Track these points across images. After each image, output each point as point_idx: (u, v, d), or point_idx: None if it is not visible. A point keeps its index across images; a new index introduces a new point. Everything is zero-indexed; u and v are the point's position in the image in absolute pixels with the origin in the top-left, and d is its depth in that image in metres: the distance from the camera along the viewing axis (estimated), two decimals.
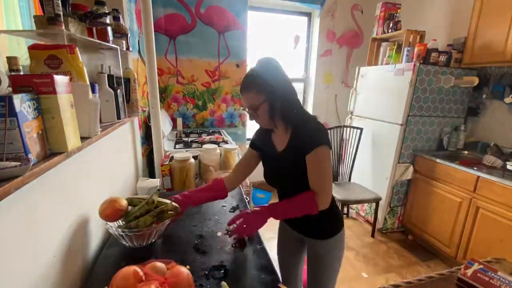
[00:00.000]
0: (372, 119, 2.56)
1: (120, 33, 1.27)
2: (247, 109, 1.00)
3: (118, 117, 1.12)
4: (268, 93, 0.95)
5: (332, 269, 1.13)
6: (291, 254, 1.22)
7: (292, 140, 0.98)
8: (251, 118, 1.01)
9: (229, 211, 1.32)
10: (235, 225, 0.96)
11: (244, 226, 0.95)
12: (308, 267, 1.15)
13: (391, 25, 2.50)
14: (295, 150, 0.96)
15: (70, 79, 0.74)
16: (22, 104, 0.56)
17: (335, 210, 1.11)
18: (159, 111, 1.77)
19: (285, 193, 1.05)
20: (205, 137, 2.35)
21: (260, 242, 1.07)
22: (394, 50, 2.49)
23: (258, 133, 1.13)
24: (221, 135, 2.54)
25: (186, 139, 2.37)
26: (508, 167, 1.82)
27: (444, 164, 2.05)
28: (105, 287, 0.80)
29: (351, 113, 2.86)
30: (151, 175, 2.07)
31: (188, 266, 0.90)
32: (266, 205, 0.98)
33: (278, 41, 3.21)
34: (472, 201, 1.86)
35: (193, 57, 2.75)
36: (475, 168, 1.87)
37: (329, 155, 0.95)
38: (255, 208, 0.98)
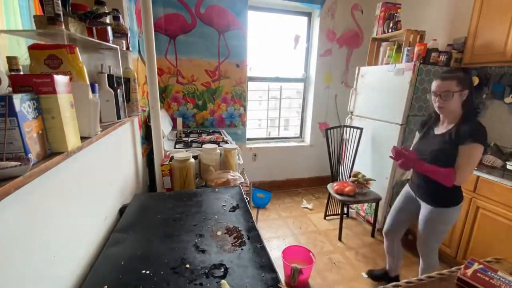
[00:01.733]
0: (372, 119, 2.56)
1: (120, 33, 1.27)
2: (438, 95, 1.34)
3: (118, 117, 1.12)
4: (466, 86, 1.32)
5: (436, 232, 1.46)
6: (406, 212, 1.66)
7: (455, 129, 1.33)
8: (439, 104, 1.36)
9: (229, 211, 1.32)
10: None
11: (403, 160, 1.40)
12: (419, 226, 1.53)
13: (391, 25, 2.50)
14: (452, 137, 1.32)
15: (70, 79, 0.74)
16: (22, 104, 0.56)
17: (456, 191, 1.39)
18: (159, 111, 1.77)
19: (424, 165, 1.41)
20: (205, 137, 2.35)
21: (260, 241, 1.07)
22: (394, 50, 2.49)
23: (423, 121, 1.59)
24: (221, 135, 2.54)
25: (186, 139, 2.37)
26: (508, 167, 1.82)
27: None
28: (105, 287, 0.80)
29: (351, 113, 2.86)
30: (151, 175, 2.07)
31: (188, 265, 0.91)
32: (416, 157, 1.40)
33: (278, 41, 3.21)
34: (472, 201, 1.86)
35: (193, 57, 2.75)
36: (475, 168, 1.87)
37: (480, 153, 1.27)
38: (408, 155, 1.40)
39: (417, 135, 1.60)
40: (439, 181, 1.33)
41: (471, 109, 1.36)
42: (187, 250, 1.00)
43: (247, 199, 1.49)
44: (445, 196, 1.40)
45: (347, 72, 3.38)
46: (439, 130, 1.43)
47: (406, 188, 1.68)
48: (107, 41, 1.10)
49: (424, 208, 1.50)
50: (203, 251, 0.99)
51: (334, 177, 2.71)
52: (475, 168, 1.85)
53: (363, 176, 2.40)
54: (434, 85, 1.38)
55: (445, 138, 1.35)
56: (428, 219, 1.46)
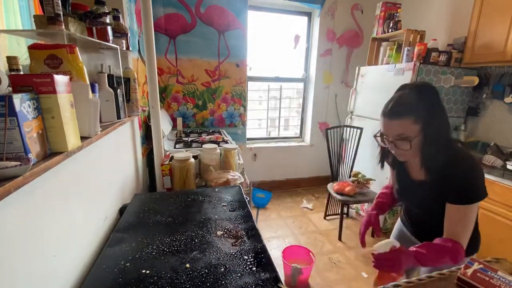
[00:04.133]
0: (372, 119, 2.56)
1: (120, 32, 1.27)
2: (388, 137, 0.88)
3: (118, 117, 1.12)
4: (426, 124, 0.82)
5: None
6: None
7: (435, 179, 0.88)
8: (395, 152, 0.90)
9: (229, 211, 1.32)
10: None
11: (391, 264, 0.88)
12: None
13: (391, 24, 2.49)
14: (436, 190, 0.88)
15: (70, 79, 0.74)
16: (22, 103, 0.56)
17: (475, 237, 0.94)
18: (159, 110, 1.77)
19: (413, 212, 1.04)
20: (205, 137, 2.35)
21: (260, 241, 1.07)
22: (394, 50, 2.49)
23: (382, 153, 1.05)
24: (221, 134, 2.54)
25: (186, 138, 2.37)
26: (508, 166, 1.82)
27: None
28: None
29: (351, 113, 2.86)
30: (151, 175, 2.07)
31: (188, 265, 0.91)
32: (414, 250, 0.88)
33: (278, 40, 3.21)
34: None
35: (193, 57, 2.75)
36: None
37: (475, 209, 0.85)
38: (402, 249, 0.90)
39: (391, 171, 1.14)
40: (447, 262, 0.86)
41: (445, 137, 0.87)
42: (187, 249, 1.00)
43: (247, 199, 1.49)
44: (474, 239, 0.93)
45: (347, 72, 3.38)
46: (414, 171, 0.98)
47: (399, 224, 1.24)
48: (107, 41, 1.10)
49: None
50: (203, 251, 0.99)
51: (334, 177, 2.71)
52: None
53: (363, 176, 2.40)
54: (382, 124, 0.90)
55: (428, 190, 0.93)
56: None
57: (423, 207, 0.98)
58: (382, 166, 1.06)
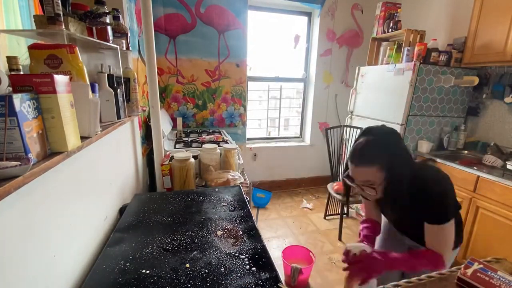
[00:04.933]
0: (372, 118, 2.56)
1: (120, 32, 1.27)
2: (355, 182, 0.91)
3: (118, 117, 1.12)
4: (390, 171, 0.86)
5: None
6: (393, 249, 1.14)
7: (408, 204, 0.92)
8: (359, 191, 0.94)
9: (229, 211, 1.32)
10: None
11: (361, 269, 0.92)
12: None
13: (391, 24, 2.49)
14: (410, 211, 0.94)
15: (70, 79, 0.74)
16: (22, 103, 0.56)
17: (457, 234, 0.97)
18: (159, 110, 1.77)
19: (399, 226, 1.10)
20: (205, 137, 2.35)
21: (260, 241, 1.07)
22: (394, 50, 2.49)
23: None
24: (221, 134, 2.54)
25: (186, 138, 2.37)
26: (508, 166, 1.82)
27: (444, 164, 2.05)
28: None
29: (351, 112, 2.86)
30: (151, 174, 2.07)
31: (187, 265, 0.91)
32: (388, 255, 0.92)
33: (278, 40, 3.21)
34: (472, 201, 1.86)
35: (193, 57, 2.75)
36: (475, 167, 1.87)
37: (452, 226, 0.88)
38: (375, 254, 0.93)
39: (365, 203, 1.18)
40: (426, 269, 0.90)
41: (408, 173, 0.89)
42: (187, 249, 1.00)
43: (247, 199, 1.49)
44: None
45: (347, 72, 3.37)
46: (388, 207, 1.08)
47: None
48: (107, 41, 1.10)
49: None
50: (203, 251, 0.99)
51: (334, 177, 2.71)
52: (475, 168, 1.85)
53: None
54: (349, 168, 0.92)
55: (405, 212, 0.99)
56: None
57: (410, 224, 1.05)
58: (348, 203, 1.08)
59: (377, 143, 0.88)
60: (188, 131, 2.73)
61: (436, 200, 0.87)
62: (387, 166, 0.85)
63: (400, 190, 0.89)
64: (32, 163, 0.56)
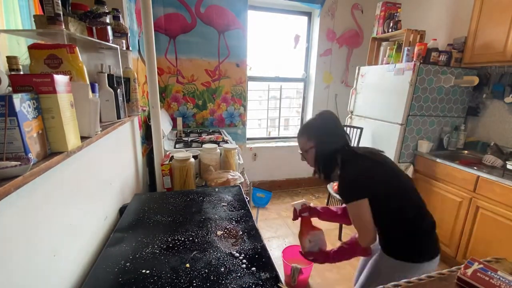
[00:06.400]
0: (372, 118, 2.56)
1: (120, 32, 1.26)
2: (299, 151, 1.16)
3: (118, 117, 1.12)
4: (316, 143, 1.09)
5: (373, 279, 1.10)
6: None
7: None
8: (302, 159, 1.19)
9: (229, 211, 1.32)
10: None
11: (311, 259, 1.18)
12: (365, 271, 1.18)
13: (391, 24, 2.49)
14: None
15: (70, 79, 0.74)
16: (22, 103, 0.56)
17: (407, 239, 1.03)
18: (159, 110, 1.77)
19: None
20: (205, 137, 2.35)
21: (260, 241, 1.07)
22: (394, 50, 2.49)
23: None
24: (221, 134, 2.54)
25: (186, 138, 2.37)
26: (508, 166, 1.82)
27: (444, 164, 2.05)
28: None
29: (351, 112, 2.86)
30: (151, 174, 2.07)
31: (188, 265, 0.91)
32: (326, 252, 1.18)
33: (278, 40, 3.21)
34: (472, 201, 1.86)
35: (193, 57, 2.75)
36: (475, 167, 1.87)
37: (359, 207, 1.00)
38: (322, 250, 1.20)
39: None
40: (357, 255, 1.10)
41: (334, 150, 1.09)
42: (187, 249, 1.00)
43: (247, 199, 1.49)
44: (404, 243, 1.03)
45: (347, 71, 3.37)
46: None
47: None
48: (107, 40, 1.10)
49: (379, 254, 1.11)
50: (203, 251, 0.99)
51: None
52: (475, 168, 1.85)
53: None
54: None
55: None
56: (377, 265, 1.11)
57: None
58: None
59: (312, 123, 1.14)
60: (188, 131, 2.73)
61: (346, 179, 1.06)
62: (315, 140, 1.10)
63: (320, 159, 1.12)
64: (32, 163, 0.56)
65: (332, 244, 2.35)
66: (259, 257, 0.97)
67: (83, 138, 0.79)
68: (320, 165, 1.13)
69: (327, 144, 1.09)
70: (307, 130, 1.13)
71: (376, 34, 2.67)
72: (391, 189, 1.03)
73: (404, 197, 1.04)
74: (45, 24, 0.75)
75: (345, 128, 2.70)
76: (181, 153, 1.72)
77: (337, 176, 1.11)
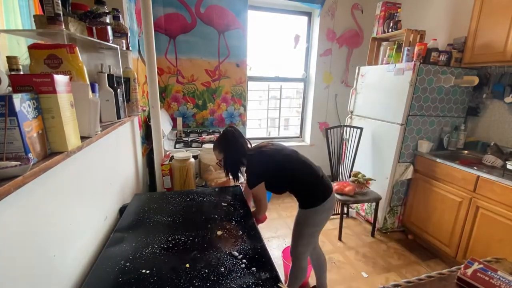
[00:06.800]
0: (372, 118, 2.56)
1: (120, 32, 1.27)
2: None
3: (118, 117, 1.12)
4: (225, 153, 1.42)
5: (298, 230, 1.46)
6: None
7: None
8: (219, 165, 1.50)
9: (229, 211, 1.32)
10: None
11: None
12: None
13: (391, 24, 2.49)
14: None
15: (70, 79, 0.74)
16: (22, 103, 0.56)
17: (306, 194, 1.41)
18: (159, 110, 1.77)
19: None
20: (205, 137, 2.35)
21: (260, 240, 1.07)
22: (394, 50, 2.49)
23: None
24: None
25: (186, 138, 2.37)
26: (508, 166, 1.82)
27: (444, 164, 2.05)
28: None
29: (351, 112, 2.86)
30: (151, 174, 2.07)
31: (188, 265, 0.91)
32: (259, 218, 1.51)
33: (278, 40, 3.21)
34: (472, 201, 1.86)
35: (193, 57, 2.75)
36: (475, 167, 1.87)
37: (258, 189, 1.37)
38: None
39: None
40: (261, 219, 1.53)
41: (240, 155, 1.43)
42: (186, 249, 1.00)
43: None
44: (304, 198, 1.42)
45: (347, 71, 3.37)
46: None
47: None
48: (107, 40, 1.10)
49: (297, 212, 1.48)
50: (203, 251, 0.99)
51: (334, 177, 2.71)
52: (475, 168, 1.85)
53: (363, 176, 2.40)
54: None
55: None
56: (295, 219, 1.47)
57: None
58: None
59: (219, 139, 1.46)
60: (188, 131, 2.73)
61: (248, 175, 1.38)
62: (224, 152, 1.42)
63: (228, 164, 1.44)
64: (32, 163, 0.56)
65: (332, 244, 2.36)
66: (259, 257, 0.97)
67: (83, 138, 0.79)
68: (230, 168, 1.44)
69: (232, 154, 1.41)
70: (217, 145, 1.44)
71: (376, 34, 2.67)
72: (283, 168, 1.38)
73: (295, 169, 1.39)
74: (45, 24, 0.75)
75: (345, 128, 2.71)
76: (181, 153, 1.72)
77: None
